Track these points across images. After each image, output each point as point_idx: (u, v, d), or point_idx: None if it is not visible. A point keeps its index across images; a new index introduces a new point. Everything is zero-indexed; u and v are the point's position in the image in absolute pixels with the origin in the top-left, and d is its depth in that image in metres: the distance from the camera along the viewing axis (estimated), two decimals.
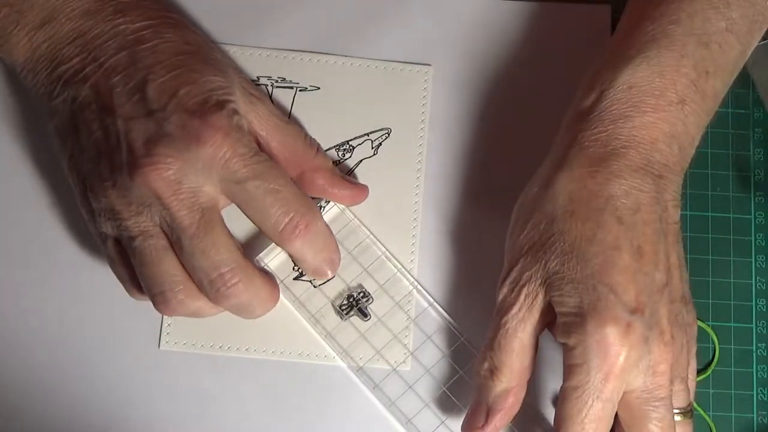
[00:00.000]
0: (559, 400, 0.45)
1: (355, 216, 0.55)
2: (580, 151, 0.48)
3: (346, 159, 0.56)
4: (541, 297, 0.47)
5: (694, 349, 0.49)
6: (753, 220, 0.56)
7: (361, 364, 0.53)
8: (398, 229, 0.55)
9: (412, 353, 0.53)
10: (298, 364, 0.53)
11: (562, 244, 0.46)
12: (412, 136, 0.57)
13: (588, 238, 0.46)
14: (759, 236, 0.56)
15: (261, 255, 0.53)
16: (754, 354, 0.54)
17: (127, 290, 0.51)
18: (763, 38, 0.53)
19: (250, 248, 0.53)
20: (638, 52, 0.49)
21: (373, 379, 0.53)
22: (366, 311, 0.54)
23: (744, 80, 0.58)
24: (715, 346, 0.54)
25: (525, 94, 0.58)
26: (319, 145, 0.54)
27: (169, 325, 0.53)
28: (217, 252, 0.48)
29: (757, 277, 0.55)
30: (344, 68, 0.58)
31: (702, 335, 0.53)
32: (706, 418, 0.53)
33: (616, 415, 0.46)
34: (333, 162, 0.55)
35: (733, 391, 0.54)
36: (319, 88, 0.57)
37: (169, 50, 0.51)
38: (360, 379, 0.53)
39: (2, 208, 0.55)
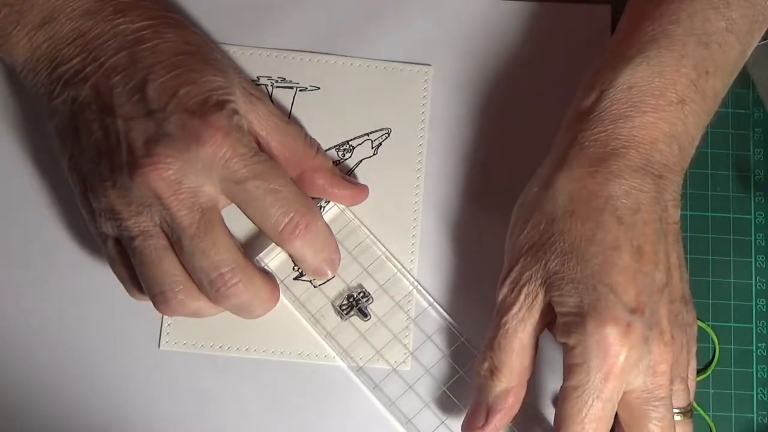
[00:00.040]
0: (559, 400, 0.46)
1: (355, 216, 0.55)
2: (580, 151, 0.48)
3: (346, 159, 0.56)
4: (541, 297, 0.47)
5: (694, 349, 0.49)
6: (753, 220, 0.56)
7: (361, 364, 0.53)
8: (398, 229, 0.55)
9: (412, 353, 0.53)
10: (298, 364, 0.53)
11: (562, 244, 0.46)
12: (412, 136, 0.57)
13: (588, 238, 0.46)
14: (759, 236, 0.56)
15: (261, 255, 0.53)
16: (754, 354, 0.54)
17: (128, 290, 0.51)
18: (763, 38, 0.53)
19: (250, 248, 0.53)
20: (638, 52, 0.49)
21: (373, 379, 0.53)
22: (366, 311, 0.54)
23: (744, 80, 0.58)
24: (715, 346, 0.54)
25: (525, 94, 0.58)
26: (319, 145, 0.54)
27: (169, 325, 0.53)
28: (218, 252, 0.48)
29: (757, 277, 0.55)
30: (344, 68, 0.58)
31: (702, 335, 0.53)
32: (706, 418, 0.53)
33: (616, 415, 0.46)
34: (333, 162, 0.55)
35: (733, 391, 0.54)
36: (319, 88, 0.57)
37: (169, 50, 0.51)
38: (360, 379, 0.53)
39: (2, 208, 0.55)
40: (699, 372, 0.53)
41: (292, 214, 0.50)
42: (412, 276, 0.54)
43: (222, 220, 0.49)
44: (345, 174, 0.55)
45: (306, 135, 0.54)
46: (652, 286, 0.46)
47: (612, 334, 0.44)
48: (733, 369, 0.54)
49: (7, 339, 0.53)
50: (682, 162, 0.49)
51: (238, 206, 0.50)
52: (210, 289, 0.49)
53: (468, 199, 0.56)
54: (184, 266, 0.49)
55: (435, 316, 0.54)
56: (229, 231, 0.49)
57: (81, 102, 0.50)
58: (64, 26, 0.51)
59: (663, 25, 0.50)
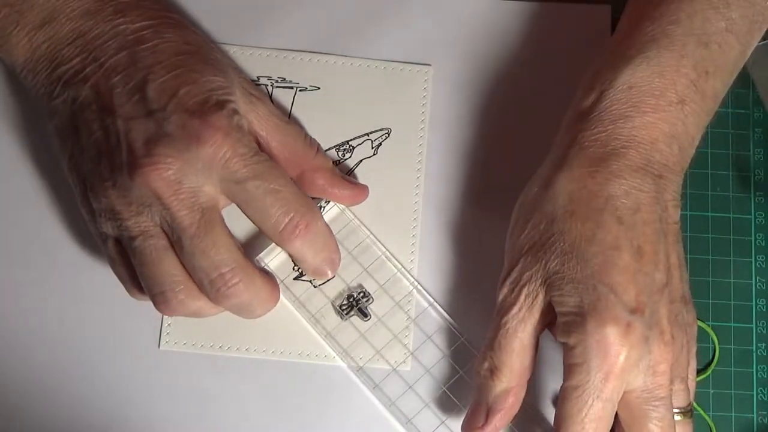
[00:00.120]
0: (559, 400, 0.46)
1: (355, 216, 0.55)
2: (580, 151, 0.48)
3: (346, 159, 0.56)
4: (541, 297, 0.47)
5: (694, 349, 0.49)
6: (753, 220, 0.56)
7: (361, 364, 0.53)
8: (398, 229, 0.55)
9: (412, 353, 0.53)
10: (298, 364, 0.53)
11: (562, 244, 0.46)
12: (412, 136, 0.57)
13: (588, 238, 0.46)
14: (759, 236, 0.56)
15: (261, 255, 0.53)
16: (754, 354, 0.54)
17: (128, 290, 0.51)
18: (763, 38, 0.53)
19: (250, 248, 0.53)
20: (638, 52, 0.49)
21: (373, 379, 0.53)
22: (366, 311, 0.54)
23: (744, 80, 0.58)
24: (715, 346, 0.54)
25: (525, 94, 0.58)
26: (319, 145, 0.54)
27: (169, 325, 0.53)
28: (218, 252, 0.48)
29: (757, 277, 0.55)
30: (344, 68, 0.58)
31: (702, 335, 0.53)
32: (706, 418, 0.53)
33: (616, 414, 0.46)
34: (333, 162, 0.55)
35: (733, 391, 0.54)
36: (319, 88, 0.57)
37: (169, 50, 0.51)
38: (360, 379, 0.53)
39: (2, 208, 0.55)
40: (699, 372, 0.53)
41: (292, 214, 0.50)
42: (412, 276, 0.54)
43: (222, 220, 0.49)
44: (345, 174, 0.55)
45: (306, 135, 0.54)
46: (652, 286, 0.46)
47: (612, 334, 0.44)
48: (733, 369, 0.54)
49: (7, 339, 0.53)
50: (682, 162, 0.49)
51: (238, 206, 0.50)
52: (210, 289, 0.49)
53: (468, 199, 0.56)
54: (184, 266, 0.49)
55: (435, 316, 0.54)
56: (230, 231, 0.49)
57: (81, 102, 0.50)
58: (64, 26, 0.51)
59: (663, 25, 0.50)
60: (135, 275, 0.50)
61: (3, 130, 0.56)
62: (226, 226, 0.49)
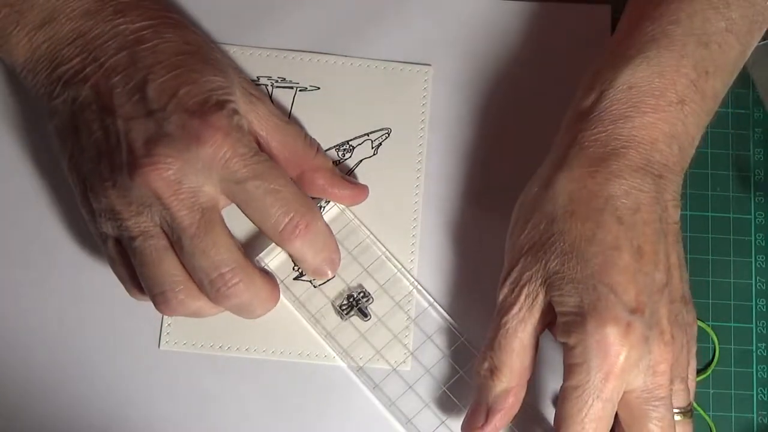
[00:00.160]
0: (559, 400, 0.46)
1: (355, 216, 0.55)
2: (580, 151, 0.48)
3: (346, 159, 0.56)
4: (541, 297, 0.47)
5: (694, 349, 0.49)
6: (753, 220, 0.57)
7: (361, 364, 0.53)
8: (398, 229, 0.55)
9: (412, 353, 0.53)
10: (298, 364, 0.53)
11: (562, 244, 0.46)
12: (412, 136, 0.57)
13: (588, 238, 0.46)
14: (759, 236, 0.56)
15: (261, 255, 0.53)
16: (754, 354, 0.54)
17: (128, 290, 0.51)
18: (763, 38, 0.53)
19: (250, 248, 0.53)
20: (638, 52, 0.49)
21: (373, 379, 0.53)
22: (366, 311, 0.54)
23: (744, 80, 0.58)
24: (715, 346, 0.54)
25: (525, 94, 0.58)
26: (319, 145, 0.54)
27: (169, 325, 0.53)
28: (218, 252, 0.48)
29: (757, 277, 0.55)
30: (344, 68, 0.58)
31: (702, 335, 0.53)
32: (706, 418, 0.53)
33: (616, 414, 0.46)
34: (333, 162, 0.55)
35: (733, 391, 0.54)
36: (319, 88, 0.57)
37: (169, 50, 0.51)
38: (360, 379, 0.53)
39: (2, 208, 0.55)
40: (699, 372, 0.53)
41: (292, 214, 0.50)
42: (412, 276, 0.54)
43: (222, 220, 0.49)
44: (345, 174, 0.55)
45: (306, 135, 0.54)
46: (652, 286, 0.46)
47: (612, 334, 0.44)
48: (733, 369, 0.54)
49: (7, 339, 0.53)
50: (682, 162, 0.49)
51: (238, 206, 0.50)
52: (210, 289, 0.49)
53: (468, 199, 0.56)
54: (184, 266, 0.49)
55: (435, 316, 0.54)
56: (230, 231, 0.49)
57: (81, 102, 0.50)
58: (64, 26, 0.51)
59: (663, 25, 0.50)
60: (135, 275, 0.50)
61: (3, 130, 0.56)
62: (226, 226, 0.49)
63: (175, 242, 0.48)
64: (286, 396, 0.53)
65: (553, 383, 0.53)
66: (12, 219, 0.55)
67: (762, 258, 0.56)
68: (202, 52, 0.52)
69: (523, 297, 0.47)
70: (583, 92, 0.50)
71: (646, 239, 0.46)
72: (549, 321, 0.48)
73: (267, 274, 0.52)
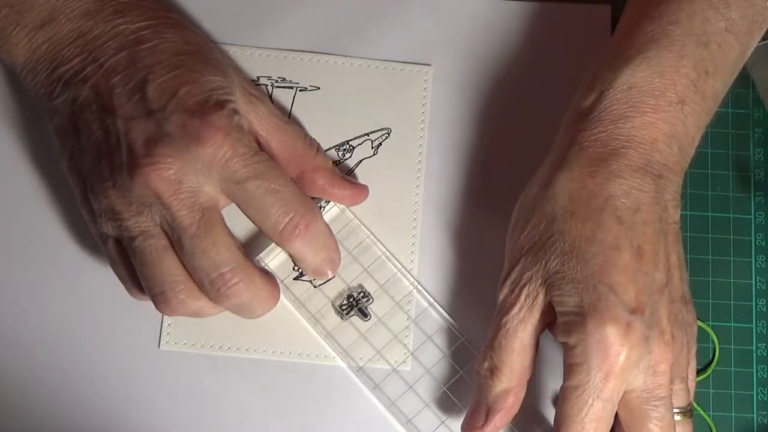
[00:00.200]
0: (559, 400, 0.46)
1: (355, 216, 0.55)
2: (580, 151, 0.48)
3: (346, 159, 0.56)
4: (541, 297, 0.47)
5: (694, 349, 0.49)
6: (753, 220, 0.57)
7: (361, 364, 0.53)
8: (398, 229, 0.55)
9: (412, 353, 0.53)
10: (298, 364, 0.53)
11: (562, 244, 0.46)
12: (412, 136, 0.57)
13: (588, 238, 0.46)
14: (759, 236, 0.56)
15: (261, 255, 0.53)
16: (754, 354, 0.54)
17: (128, 290, 0.51)
18: (763, 38, 0.53)
19: (250, 248, 0.54)
20: (638, 53, 0.49)
21: (373, 379, 0.53)
22: (366, 311, 0.54)
23: (744, 80, 0.58)
24: (715, 346, 0.54)
25: (525, 94, 0.58)
26: (319, 145, 0.54)
27: (169, 325, 0.53)
28: (218, 252, 0.48)
29: (757, 277, 0.55)
30: (344, 68, 0.58)
31: (702, 335, 0.53)
32: (706, 418, 0.53)
33: (616, 414, 0.46)
34: (333, 162, 0.55)
35: (733, 391, 0.54)
36: (319, 88, 0.57)
37: (169, 50, 0.51)
38: (360, 379, 0.53)
39: (2, 208, 0.55)
40: (699, 372, 0.53)
41: (292, 214, 0.50)
42: (412, 276, 0.54)
43: (222, 219, 0.49)
44: (345, 174, 0.55)
45: (306, 135, 0.54)
46: (652, 286, 0.46)
47: (612, 333, 0.44)
48: (733, 369, 0.54)
49: (7, 339, 0.53)
50: (682, 162, 0.49)
51: (238, 206, 0.50)
52: (210, 288, 0.49)
53: (468, 199, 0.56)
54: (184, 266, 0.49)
55: (435, 316, 0.54)
56: (230, 231, 0.49)
57: (81, 102, 0.50)
58: (64, 27, 0.51)
59: (662, 25, 0.50)
60: (135, 275, 0.50)
61: (3, 130, 0.56)
62: (226, 226, 0.49)
63: (176, 242, 0.48)
64: (286, 396, 0.53)
65: (553, 383, 0.53)
66: (12, 219, 0.55)
67: (762, 258, 0.56)
68: (202, 52, 0.52)
69: (523, 297, 0.47)
70: (583, 92, 0.50)
71: (646, 239, 0.46)
72: (549, 321, 0.48)
73: (267, 274, 0.52)
